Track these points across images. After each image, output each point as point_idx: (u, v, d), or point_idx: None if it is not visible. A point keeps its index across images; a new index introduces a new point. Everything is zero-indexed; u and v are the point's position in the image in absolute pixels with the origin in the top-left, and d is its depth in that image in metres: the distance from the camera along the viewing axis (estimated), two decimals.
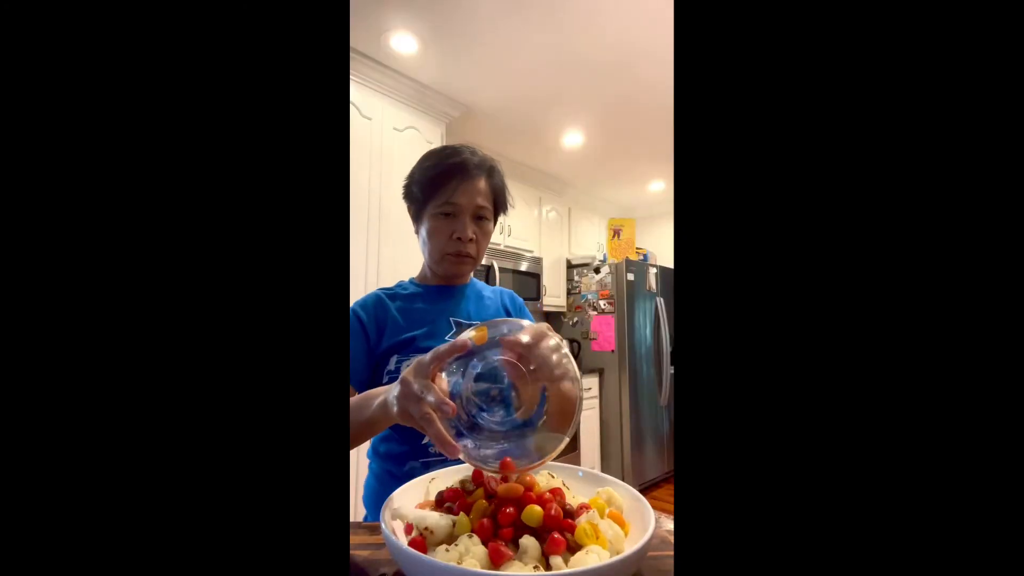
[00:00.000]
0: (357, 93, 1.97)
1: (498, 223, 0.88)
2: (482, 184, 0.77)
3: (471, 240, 0.76)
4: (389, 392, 0.48)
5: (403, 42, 1.87)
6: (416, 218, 0.82)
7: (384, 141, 2.04)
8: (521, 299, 0.92)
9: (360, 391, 0.74)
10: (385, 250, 1.99)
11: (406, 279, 0.87)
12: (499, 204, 0.81)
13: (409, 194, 0.81)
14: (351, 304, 0.78)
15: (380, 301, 0.80)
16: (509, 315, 0.86)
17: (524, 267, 2.98)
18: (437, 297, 0.82)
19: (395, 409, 0.45)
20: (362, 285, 1.89)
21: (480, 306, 0.84)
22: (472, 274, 0.88)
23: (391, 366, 0.75)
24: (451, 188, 0.75)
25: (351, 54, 1.91)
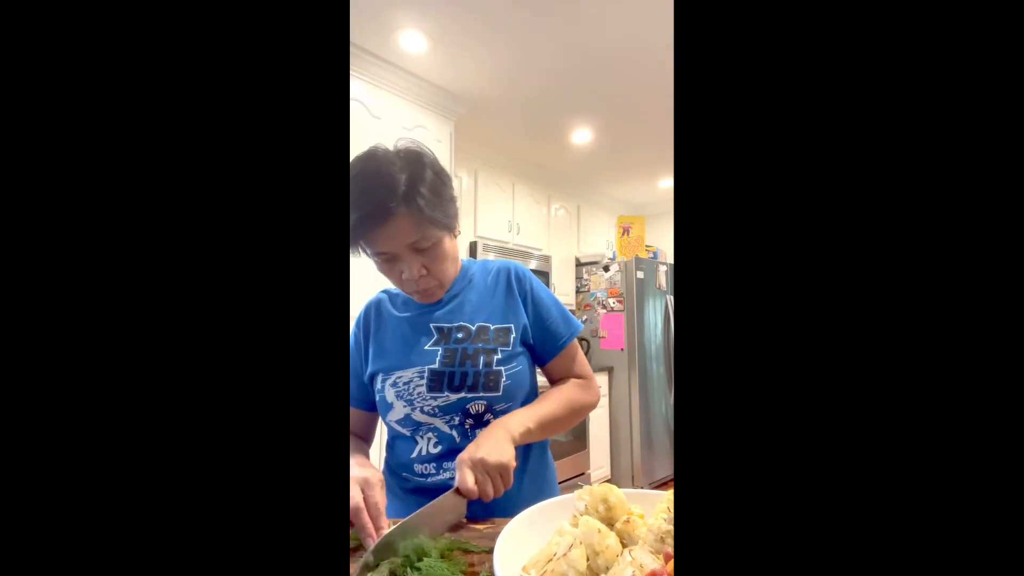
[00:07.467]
0: (366, 92, 1.95)
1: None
2: (402, 219, 0.65)
3: (423, 275, 0.70)
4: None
5: (412, 41, 1.85)
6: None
7: (392, 140, 2.02)
8: (524, 269, 0.83)
9: (360, 408, 0.80)
10: None
11: None
12: (437, 221, 0.67)
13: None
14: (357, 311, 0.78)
15: (378, 309, 0.81)
16: (507, 294, 0.79)
17: (533, 265, 2.96)
18: (421, 308, 0.78)
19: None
20: (371, 284, 1.87)
21: (464, 302, 0.78)
22: (457, 268, 0.80)
23: (377, 385, 0.76)
24: (373, 238, 0.66)
25: (360, 53, 1.88)
